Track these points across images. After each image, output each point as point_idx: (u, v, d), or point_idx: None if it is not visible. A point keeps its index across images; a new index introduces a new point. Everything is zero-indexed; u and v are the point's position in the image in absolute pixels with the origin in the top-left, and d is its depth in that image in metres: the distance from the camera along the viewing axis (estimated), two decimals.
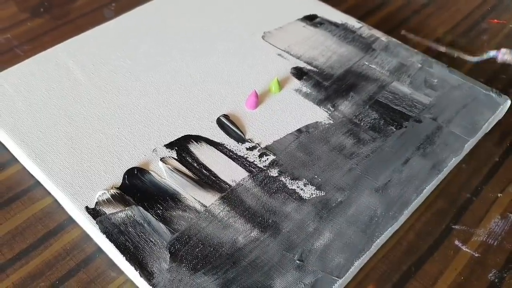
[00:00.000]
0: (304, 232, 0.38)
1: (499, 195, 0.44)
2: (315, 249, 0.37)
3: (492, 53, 0.52)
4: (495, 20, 0.62)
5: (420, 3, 0.64)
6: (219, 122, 0.45)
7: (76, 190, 0.40)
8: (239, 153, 0.43)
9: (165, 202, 0.39)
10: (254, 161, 0.42)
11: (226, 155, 0.43)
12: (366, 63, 0.51)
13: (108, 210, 0.39)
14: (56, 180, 0.40)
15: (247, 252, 0.37)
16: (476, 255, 0.40)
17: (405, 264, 0.39)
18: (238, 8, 0.57)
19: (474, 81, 0.50)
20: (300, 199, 0.40)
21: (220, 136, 0.44)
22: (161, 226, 0.38)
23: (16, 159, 0.44)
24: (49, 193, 0.42)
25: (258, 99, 0.47)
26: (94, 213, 0.39)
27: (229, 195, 0.40)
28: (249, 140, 0.44)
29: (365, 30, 0.55)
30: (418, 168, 0.42)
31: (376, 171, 0.42)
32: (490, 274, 0.39)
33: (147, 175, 0.41)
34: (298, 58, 0.52)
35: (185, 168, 0.42)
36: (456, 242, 0.41)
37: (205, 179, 0.41)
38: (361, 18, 0.60)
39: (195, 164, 0.42)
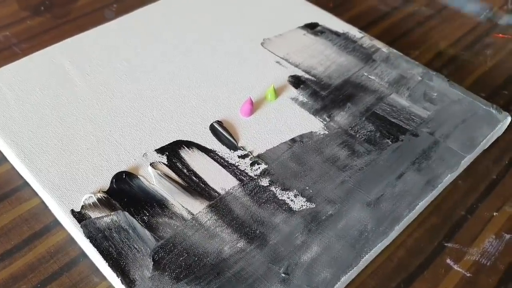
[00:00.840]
0: (291, 244, 0.37)
1: (495, 213, 0.43)
2: (301, 263, 0.36)
3: None
4: (501, 35, 0.61)
5: (425, 14, 0.64)
6: (212, 128, 0.45)
7: (63, 192, 0.39)
8: (230, 161, 0.42)
9: (152, 208, 0.39)
10: (245, 169, 0.42)
11: (217, 162, 0.42)
12: (365, 73, 0.51)
13: (93, 214, 0.38)
14: (44, 181, 0.40)
15: (232, 263, 0.36)
16: (468, 275, 0.39)
17: (395, 281, 0.38)
18: (239, 14, 0.57)
19: (475, 96, 0.49)
20: (290, 210, 0.39)
21: (212, 143, 0.44)
22: (146, 233, 0.37)
23: (6, 158, 0.44)
24: (37, 194, 0.42)
25: (253, 107, 0.46)
26: (79, 216, 0.38)
27: (217, 203, 0.39)
28: (242, 148, 0.43)
29: (366, 40, 0.54)
30: (412, 183, 0.42)
31: (369, 184, 0.41)
32: None
33: (135, 180, 0.41)
34: (297, 66, 0.51)
35: (174, 174, 0.41)
36: (448, 261, 0.40)
37: (194, 186, 0.40)
38: (363, 28, 0.59)
39: (185, 171, 0.41)
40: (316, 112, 0.47)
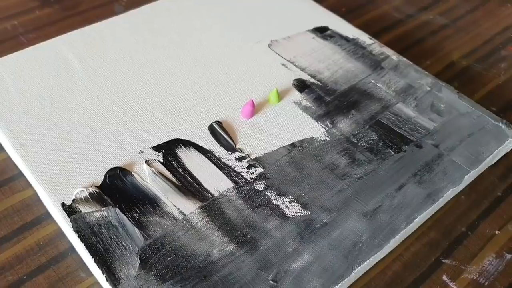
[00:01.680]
0: (282, 251, 0.36)
1: (497, 232, 0.42)
2: (291, 271, 0.35)
3: None
4: None
5: (439, 24, 0.62)
6: (211, 128, 0.44)
7: (55, 185, 0.39)
8: (227, 162, 0.41)
9: (143, 206, 0.38)
10: (241, 172, 0.41)
11: (214, 163, 0.41)
12: (373, 81, 0.50)
13: (84, 208, 0.38)
14: (37, 172, 0.40)
15: (220, 266, 0.35)
16: None
17: None
18: (248, 15, 0.56)
19: (484, 110, 0.48)
20: (284, 216, 0.38)
21: (210, 143, 0.43)
22: (135, 231, 0.37)
23: (3, 147, 0.44)
24: (31, 185, 0.41)
25: (255, 108, 0.45)
26: (69, 210, 0.37)
27: (210, 205, 0.39)
28: (239, 150, 0.42)
29: (376, 47, 0.53)
30: (412, 195, 0.40)
31: (367, 194, 0.40)
32: None
33: (129, 176, 0.40)
34: (303, 70, 0.50)
35: (169, 172, 0.40)
36: (444, 278, 0.38)
37: (188, 186, 0.40)
38: (375, 34, 0.58)
39: (180, 170, 0.41)
40: (318, 118, 0.46)
